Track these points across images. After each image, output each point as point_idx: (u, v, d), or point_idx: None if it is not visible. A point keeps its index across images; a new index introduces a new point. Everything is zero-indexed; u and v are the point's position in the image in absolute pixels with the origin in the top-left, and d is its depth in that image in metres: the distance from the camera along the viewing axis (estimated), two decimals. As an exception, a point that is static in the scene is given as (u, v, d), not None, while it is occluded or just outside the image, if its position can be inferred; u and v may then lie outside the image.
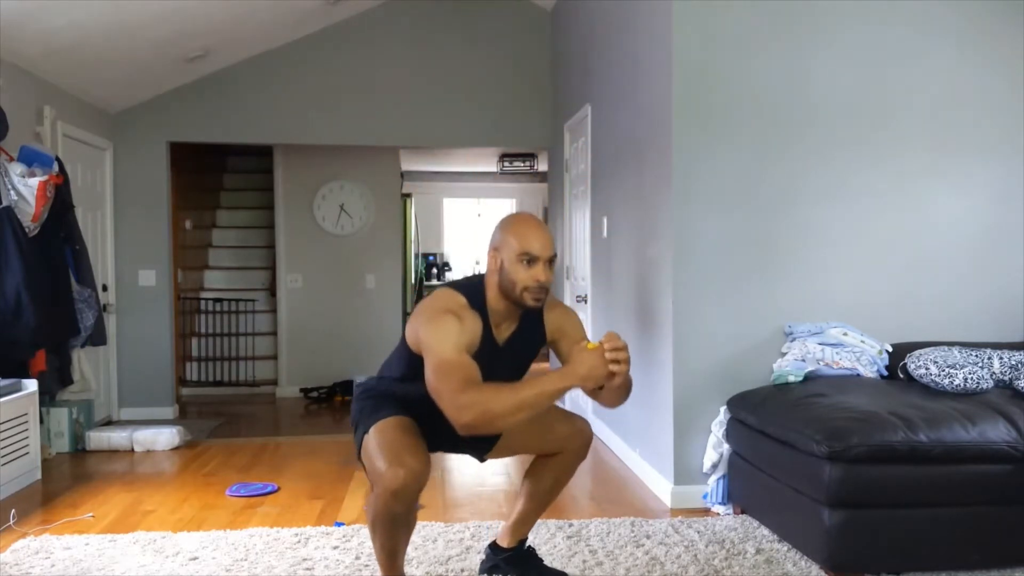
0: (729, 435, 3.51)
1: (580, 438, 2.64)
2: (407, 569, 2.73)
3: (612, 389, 2.28)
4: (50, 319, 4.45)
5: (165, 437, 5.04)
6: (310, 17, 6.09)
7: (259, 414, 6.73)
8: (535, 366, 2.53)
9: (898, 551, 2.77)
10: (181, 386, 7.32)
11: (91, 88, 5.55)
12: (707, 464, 3.62)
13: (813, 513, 2.80)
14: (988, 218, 3.82)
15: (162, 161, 6.28)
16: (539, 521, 3.19)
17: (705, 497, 3.64)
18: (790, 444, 2.93)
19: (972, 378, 3.11)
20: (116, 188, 6.15)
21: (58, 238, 4.69)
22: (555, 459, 2.65)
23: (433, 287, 8.70)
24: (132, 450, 5.00)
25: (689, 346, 3.69)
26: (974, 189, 3.82)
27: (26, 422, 4.21)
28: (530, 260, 2.34)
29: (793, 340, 3.67)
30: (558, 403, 2.47)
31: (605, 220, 4.90)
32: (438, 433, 2.38)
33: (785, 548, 3.07)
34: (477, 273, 2.52)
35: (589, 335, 2.75)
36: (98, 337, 5.07)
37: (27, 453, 4.21)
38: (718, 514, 3.56)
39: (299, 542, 3.21)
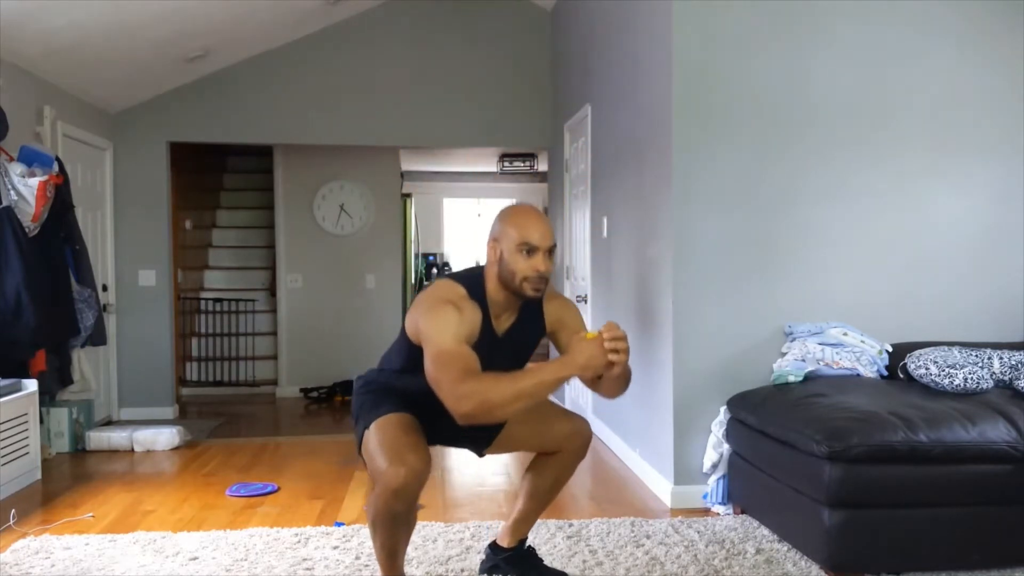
0: (729, 435, 3.51)
1: (579, 438, 2.64)
2: (407, 569, 2.72)
3: (611, 379, 2.28)
4: (50, 319, 4.45)
5: (165, 437, 5.04)
6: (310, 17, 6.09)
7: (259, 414, 6.73)
8: (533, 365, 2.53)
9: (898, 551, 2.77)
10: (181, 386, 7.32)
11: (91, 88, 5.55)
12: (707, 464, 3.62)
13: (813, 513, 2.80)
14: (988, 218, 3.82)
15: (162, 161, 6.28)
16: (539, 521, 3.19)
17: (705, 497, 3.64)
18: (790, 444, 2.93)
19: (972, 378, 3.11)
20: (116, 188, 6.15)
21: (58, 238, 4.69)
22: (554, 458, 2.65)
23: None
24: (132, 450, 5.00)
25: (689, 346, 3.69)
26: (974, 189, 3.82)
27: (26, 422, 4.21)
28: (530, 250, 2.33)
29: (793, 340, 3.67)
30: (558, 402, 2.47)
31: (605, 220, 4.90)
32: (438, 426, 2.38)
33: (785, 548, 3.07)
34: (477, 265, 2.51)
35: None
36: (98, 337, 5.07)
37: (27, 453, 4.21)
38: (718, 514, 3.56)
39: (299, 542, 3.21)
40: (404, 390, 2.44)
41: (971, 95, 3.81)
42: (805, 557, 2.96)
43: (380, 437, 2.31)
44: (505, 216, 2.42)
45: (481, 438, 2.64)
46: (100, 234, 5.93)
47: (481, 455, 2.75)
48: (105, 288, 5.94)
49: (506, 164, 9.77)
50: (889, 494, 2.76)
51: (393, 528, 2.33)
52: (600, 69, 5.06)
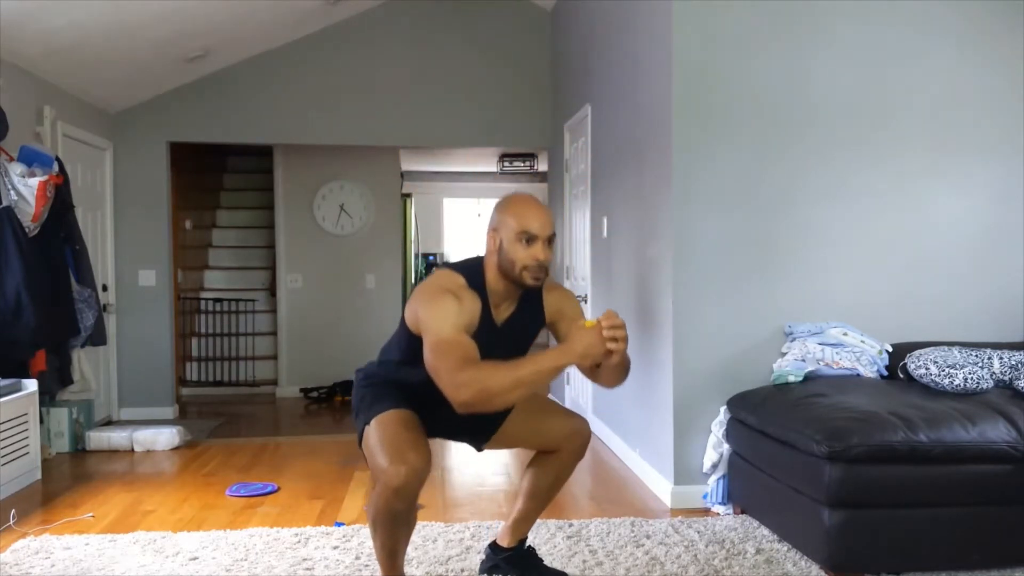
0: (729, 435, 3.51)
1: (579, 438, 2.64)
2: (407, 569, 2.73)
3: (610, 368, 2.28)
4: (50, 319, 4.45)
5: (165, 437, 5.04)
6: (310, 17, 6.09)
7: (259, 414, 6.73)
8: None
9: (898, 551, 2.77)
10: (181, 386, 7.32)
11: (91, 88, 5.55)
12: (707, 464, 3.62)
13: (813, 513, 2.80)
14: (988, 218, 3.82)
15: (162, 161, 6.28)
16: (539, 521, 3.19)
17: (705, 497, 3.64)
18: (790, 444, 2.93)
19: (972, 378, 3.11)
20: (116, 188, 6.15)
21: (58, 238, 4.69)
22: (554, 458, 2.65)
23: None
24: (132, 450, 5.00)
25: (689, 346, 3.69)
26: (974, 189, 3.82)
27: (26, 422, 4.21)
28: (529, 239, 2.33)
29: (793, 340, 3.67)
30: (558, 401, 2.46)
31: (605, 220, 4.90)
32: (438, 418, 2.38)
33: (785, 548, 3.07)
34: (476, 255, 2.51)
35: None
36: (98, 337, 5.07)
37: (27, 453, 4.21)
38: (718, 514, 3.56)
39: (299, 542, 3.21)
40: (404, 382, 2.44)
41: (971, 95, 3.81)
42: (805, 557, 2.96)
43: (381, 434, 2.31)
44: (504, 205, 2.42)
45: (480, 432, 2.64)
46: (100, 234, 5.93)
47: (480, 450, 2.74)
48: (105, 288, 5.94)
49: (506, 164, 9.77)
50: (889, 494, 2.76)
51: (393, 527, 2.33)
52: (600, 69, 5.06)
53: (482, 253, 2.47)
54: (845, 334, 3.63)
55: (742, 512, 3.50)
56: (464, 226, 11.14)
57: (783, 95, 3.73)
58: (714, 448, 3.59)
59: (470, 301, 2.32)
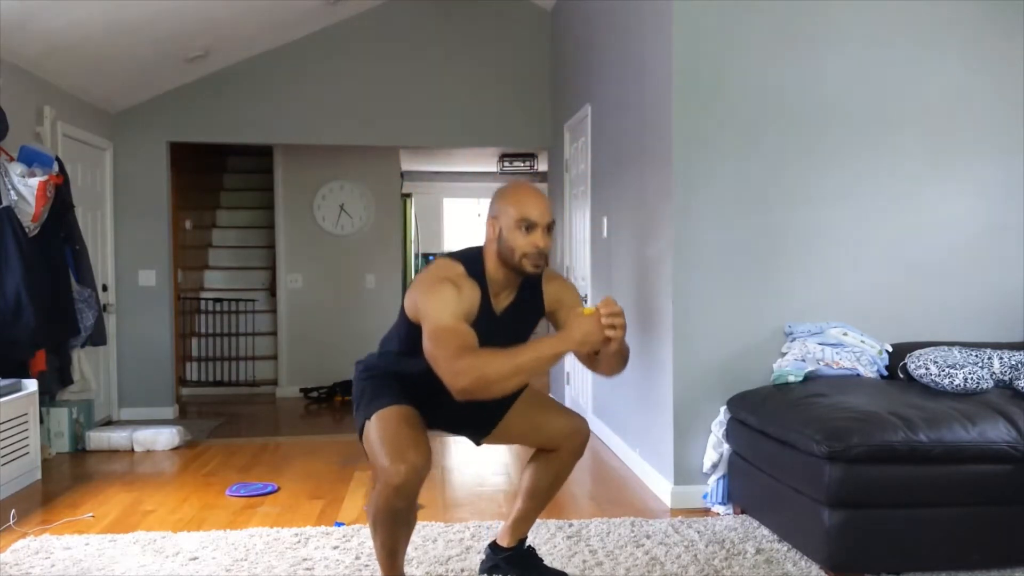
0: (729, 435, 3.51)
1: (578, 436, 2.64)
2: (407, 569, 2.72)
3: (608, 355, 2.28)
4: (50, 319, 4.45)
5: (165, 437, 5.04)
6: (310, 17, 6.09)
7: (259, 414, 6.74)
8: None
9: (898, 551, 2.77)
10: (181, 386, 7.32)
11: (91, 88, 5.55)
12: (707, 464, 3.62)
13: (813, 513, 2.80)
14: (988, 218, 3.82)
15: (162, 161, 6.28)
16: (539, 521, 3.19)
17: (705, 497, 3.64)
18: (790, 444, 2.93)
19: (972, 378, 3.11)
20: (116, 188, 6.15)
21: (58, 238, 4.69)
22: (553, 457, 2.65)
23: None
24: (132, 450, 4.99)
25: (689, 346, 3.69)
26: (974, 189, 3.82)
27: (26, 422, 4.21)
28: (528, 226, 2.32)
29: (793, 340, 3.67)
30: (557, 400, 2.46)
31: (605, 220, 4.90)
32: (437, 411, 2.38)
33: (785, 548, 3.07)
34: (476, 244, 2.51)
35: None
36: (98, 337, 5.08)
37: (27, 453, 4.21)
38: (718, 514, 3.56)
39: (299, 542, 3.21)
40: (404, 373, 2.44)
41: (971, 95, 3.80)
42: (805, 557, 2.96)
43: (381, 431, 2.31)
44: (503, 194, 2.41)
45: (481, 425, 2.64)
46: (100, 234, 5.93)
47: (478, 443, 2.74)
48: (105, 288, 5.94)
49: (506, 164, 9.77)
50: (889, 494, 2.76)
51: (394, 526, 2.33)
52: (600, 69, 5.06)
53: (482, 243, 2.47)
54: (845, 334, 3.63)
55: (742, 512, 3.50)
56: (464, 226, 11.13)
57: (783, 95, 3.72)
58: (714, 448, 3.59)
59: (469, 289, 2.32)
